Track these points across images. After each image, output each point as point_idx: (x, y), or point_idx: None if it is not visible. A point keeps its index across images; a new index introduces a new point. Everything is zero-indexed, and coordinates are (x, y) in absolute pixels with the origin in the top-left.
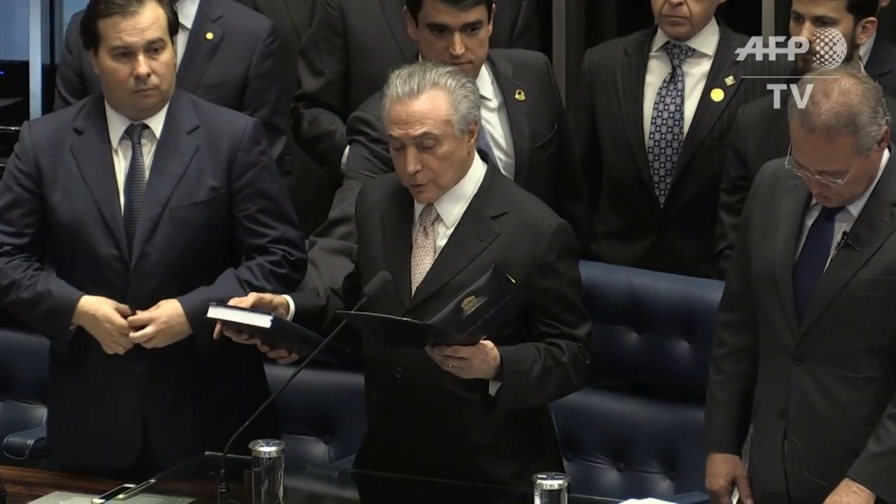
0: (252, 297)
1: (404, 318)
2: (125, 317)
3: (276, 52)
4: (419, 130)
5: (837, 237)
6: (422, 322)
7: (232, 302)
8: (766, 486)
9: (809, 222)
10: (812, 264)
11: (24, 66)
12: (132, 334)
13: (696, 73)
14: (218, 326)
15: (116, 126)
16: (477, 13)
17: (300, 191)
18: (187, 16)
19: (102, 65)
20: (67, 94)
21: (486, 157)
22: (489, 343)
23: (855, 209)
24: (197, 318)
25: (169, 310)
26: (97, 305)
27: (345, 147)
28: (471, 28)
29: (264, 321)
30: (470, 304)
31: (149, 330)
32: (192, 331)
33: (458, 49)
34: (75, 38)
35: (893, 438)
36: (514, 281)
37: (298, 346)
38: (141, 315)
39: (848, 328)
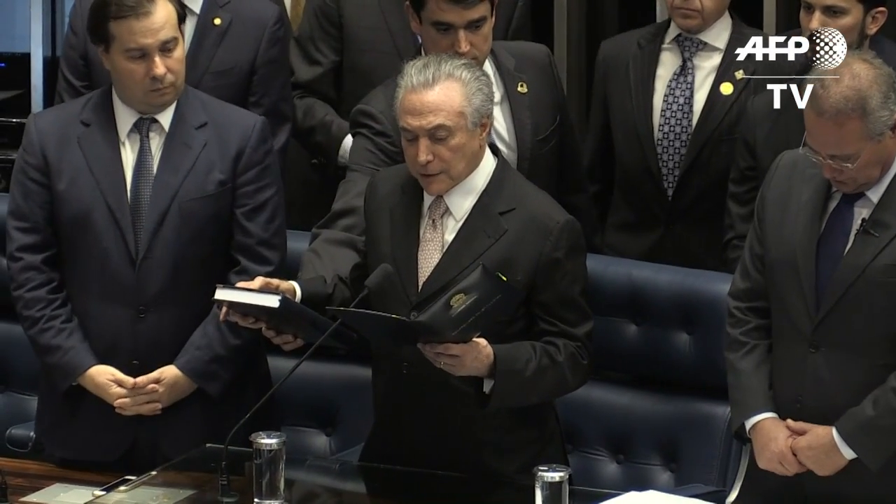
0: (259, 281)
1: (393, 315)
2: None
3: (283, 38)
4: (433, 122)
5: (857, 223)
6: (410, 319)
7: (239, 285)
8: (779, 476)
9: (830, 209)
10: (832, 251)
11: (25, 59)
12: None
13: (706, 66)
14: (224, 309)
15: (125, 119)
16: (481, 10)
17: (286, 186)
18: (196, 1)
19: (116, 64)
20: (72, 76)
21: (496, 151)
22: (482, 341)
23: (875, 195)
24: (194, 372)
25: (170, 377)
26: (102, 383)
27: (341, 139)
28: (475, 25)
29: (272, 301)
30: (459, 302)
31: (157, 395)
32: (196, 386)
33: (464, 47)
34: (80, 21)
35: (890, 413)
36: (505, 279)
37: (305, 329)
38: (148, 377)
39: (865, 314)
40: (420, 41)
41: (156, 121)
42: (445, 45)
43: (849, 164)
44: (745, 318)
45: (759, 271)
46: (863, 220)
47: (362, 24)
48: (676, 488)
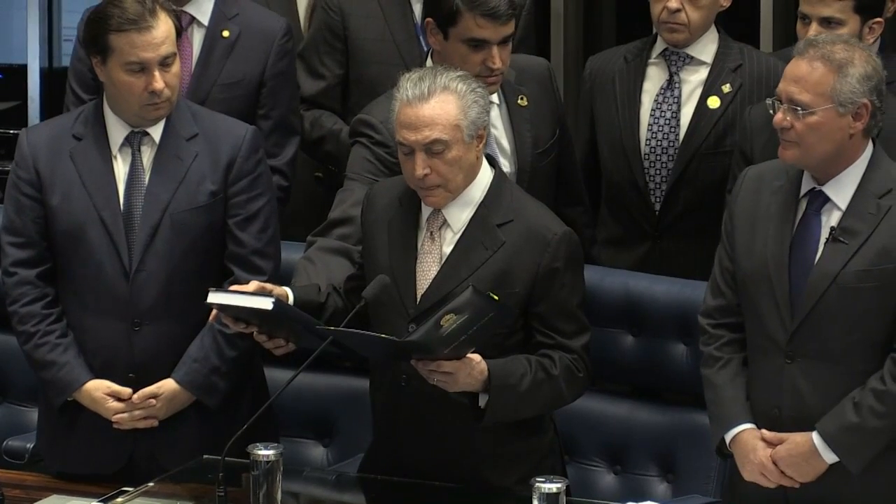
0: (254, 285)
1: (382, 335)
2: (126, 398)
3: (292, 51)
4: (429, 136)
5: (825, 232)
6: (400, 339)
7: (233, 288)
8: (760, 489)
9: (797, 219)
10: (803, 260)
11: (22, 70)
12: (140, 420)
13: (693, 80)
14: (214, 312)
15: (116, 133)
16: (511, 25)
17: (292, 198)
18: (204, 13)
19: (113, 76)
20: (80, 89)
21: (493, 162)
22: (476, 357)
23: (842, 202)
24: (193, 385)
25: (168, 390)
26: (99, 397)
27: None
28: (506, 40)
29: (266, 303)
30: (449, 322)
31: (155, 409)
32: (194, 398)
33: (499, 62)
34: None
35: (871, 415)
36: (496, 297)
37: (297, 333)
38: (146, 391)
39: (840, 321)
40: (426, 52)
41: (147, 134)
42: (476, 61)
43: (799, 110)
44: (718, 334)
45: (731, 287)
46: (832, 228)
47: (367, 36)
48: (674, 499)
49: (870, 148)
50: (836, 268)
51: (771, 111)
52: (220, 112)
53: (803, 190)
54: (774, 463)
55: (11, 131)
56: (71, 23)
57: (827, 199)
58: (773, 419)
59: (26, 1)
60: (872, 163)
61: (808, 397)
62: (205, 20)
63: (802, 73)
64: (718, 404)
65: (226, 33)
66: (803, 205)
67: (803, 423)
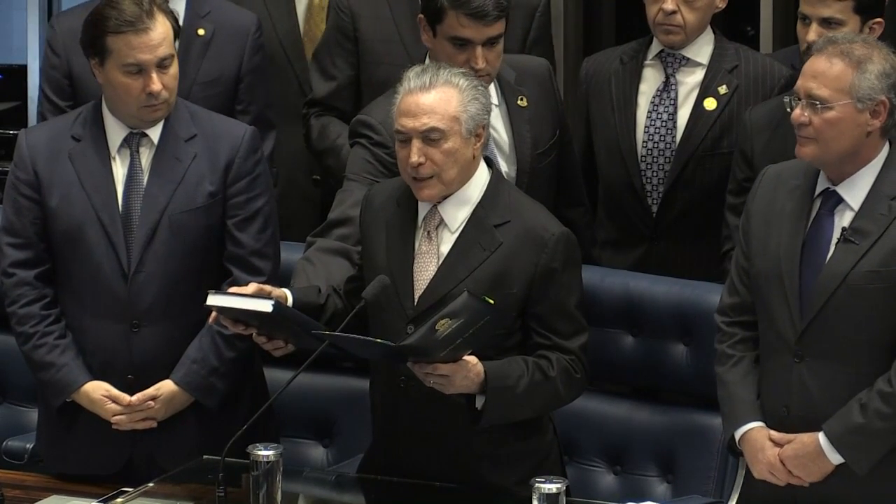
0: (253, 287)
1: (378, 340)
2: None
3: (264, 46)
4: (427, 124)
5: (837, 232)
6: (396, 344)
7: (232, 290)
8: (769, 487)
9: (811, 219)
10: (814, 260)
11: (22, 70)
12: (139, 422)
13: (689, 81)
14: (213, 314)
15: (115, 134)
16: (499, 27)
17: (286, 202)
18: (177, 13)
19: (111, 78)
20: (55, 96)
21: (490, 163)
22: (473, 359)
23: (854, 203)
24: (191, 386)
25: (167, 392)
26: (97, 399)
27: None
28: (492, 42)
29: (266, 306)
30: (444, 326)
31: (154, 410)
32: (193, 399)
33: (481, 63)
34: (61, 40)
35: (877, 417)
36: (492, 301)
37: (297, 334)
38: (144, 394)
39: (849, 322)
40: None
41: (146, 135)
42: (461, 60)
43: (817, 105)
44: (732, 332)
45: (746, 286)
46: (843, 228)
47: (376, 37)
48: (674, 500)
49: (886, 149)
50: (845, 268)
51: (788, 109)
52: None
53: (818, 190)
54: (782, 462)
55: (11, 131)
56: None
57: (840, 200)
58: (782, 418)
59: (26, 1)
60: (888, 164)
61: (816, 397)
62: (179, 19)
63: (821, 69)
64: (729, 402)
65: (201, 31)
66: (817, 204)
67: (811, 423)
